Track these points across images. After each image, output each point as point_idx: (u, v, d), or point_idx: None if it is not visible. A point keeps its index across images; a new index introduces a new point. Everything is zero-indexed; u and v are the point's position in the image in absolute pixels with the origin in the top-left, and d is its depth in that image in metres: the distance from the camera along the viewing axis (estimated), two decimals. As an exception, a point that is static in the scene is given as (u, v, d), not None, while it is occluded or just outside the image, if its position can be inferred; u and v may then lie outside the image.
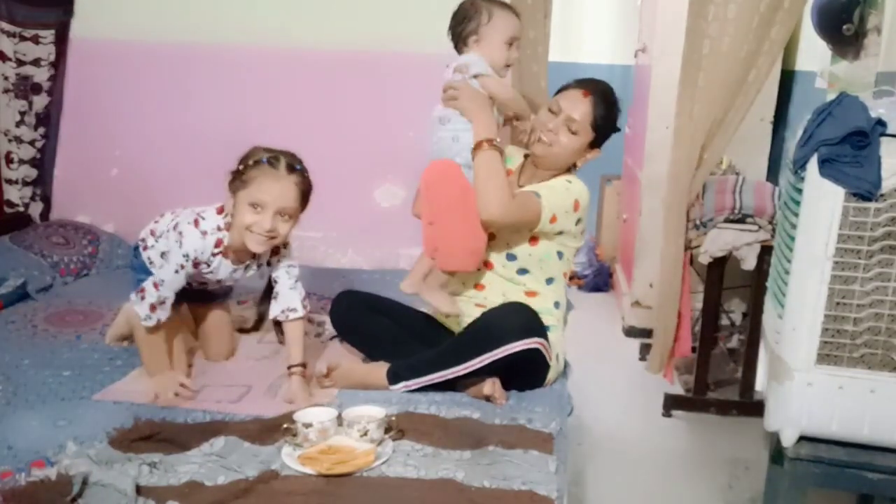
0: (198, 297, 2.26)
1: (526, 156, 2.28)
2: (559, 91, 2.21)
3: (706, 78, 2.64)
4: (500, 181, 2.05)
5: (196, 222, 2.03)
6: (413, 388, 2.06)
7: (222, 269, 2.10)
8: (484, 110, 2.10)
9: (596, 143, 2.20)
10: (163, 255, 2.06)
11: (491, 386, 2.02)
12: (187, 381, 2.04)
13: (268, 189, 1.96)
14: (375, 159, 3.31)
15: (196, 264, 2.04)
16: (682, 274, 2.89)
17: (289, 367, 2.08)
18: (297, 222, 2.06)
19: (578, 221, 2.17)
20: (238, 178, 1.99)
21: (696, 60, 2.63)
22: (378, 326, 2.25)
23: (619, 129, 2.24)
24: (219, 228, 2.04)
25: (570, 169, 2.23)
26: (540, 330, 2.08)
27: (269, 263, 2.16)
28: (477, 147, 2.07)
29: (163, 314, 2.04)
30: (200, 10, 3.27)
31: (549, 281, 2.21)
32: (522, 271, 2.19)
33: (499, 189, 2.04)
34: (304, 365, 2.09)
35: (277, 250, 2.13)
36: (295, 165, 2.01)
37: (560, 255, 2.19)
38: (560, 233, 2.14)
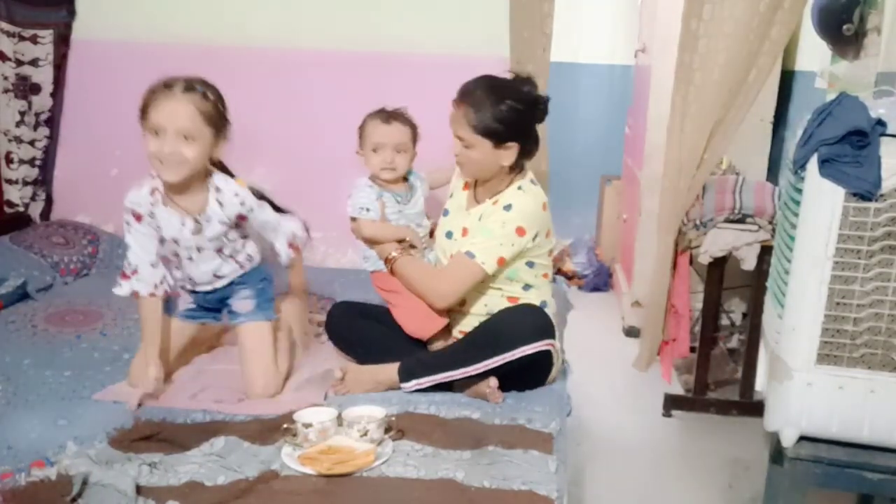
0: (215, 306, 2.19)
1: None
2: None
3: (703, 78, 2.63)
4: (420, 281, 2.19)
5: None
6: (424, 386, 2.05)
7: (172, 224, 2.01)
8: (372, 237, 2.28)
9: (504, 139, 2.10)
10: None
11: (489, 384, 2.03)
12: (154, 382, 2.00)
13: (162, 110, 1.91)
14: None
15: (138, 218, 1.99)
16: (671, 273, 2.89)
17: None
18: (215, 148, 1.98)
19: (535, 237, 2.13)
20: (141, 111, 1.94)
21: (688, 60, 2.62)
22: (371, 332, 2.25)
23: (525, 109, 2.11)
24: (152, 177, 2.00)
25: (513, 166, 2.17)
26: (551, 331, 2.10)
27: (237, 225, 2.07)
28: (388, 266, 2.24)
29: (140, 286, 2.02)
30: (199, 10, 3.27)
31: (527, 287, 2.19)
32: (496, 287, 2.19)
33: (424, 288, 2.18)
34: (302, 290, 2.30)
35: (244, 217, 2.06)
36: (195, 87, 1.94)
37: (530, 264, 2.17)
38: (519, 255, 2.13)
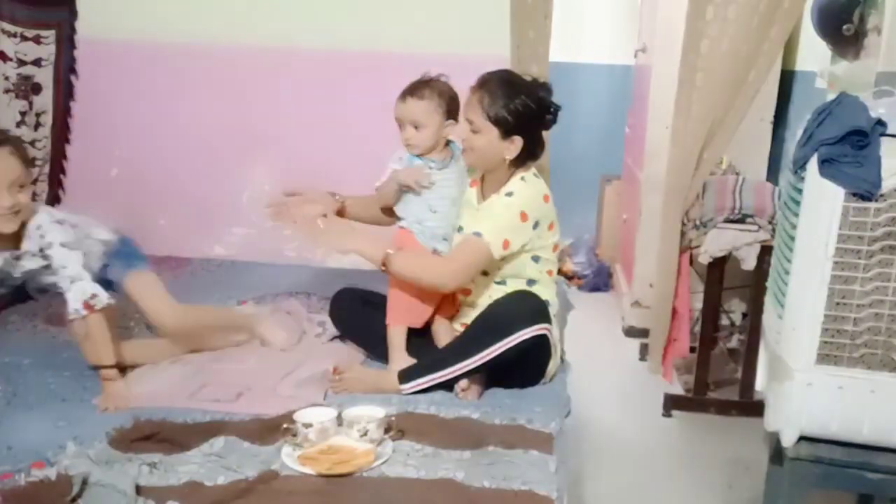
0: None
1: None
2: None
3: (705, 78, 2.64)
4: (423, 268, 2.16)
5: None
6: (423, 386, 2.06)
7: None
8: (356, 243, 2.18)
9: (511, 132, 2.14)
10: None
11: (465, 383, 2.06)
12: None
13: None
14: (375, 159, 3.30)
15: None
16: (676, 274, 2.89)
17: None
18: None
19: (536, 225, 2.15)
20: None
21: (692, 61, 2.63)
22: (376, 322, 2.26)
23: (536, 110, 2.16)
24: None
25: (517, 163, 2.20)
26: (546, 315, 2.12)
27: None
28: (383, 268, 2.13)
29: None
30: (200, 10, 3.27)
31: (531, 283, 2.21)
32: (500, 282, 2.21)
33: (430, 272, 2.15)
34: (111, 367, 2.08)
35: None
36: (9, 139, 2.05)
37: (536, 259, 2.19)
38: (523, 246, 2.15)
